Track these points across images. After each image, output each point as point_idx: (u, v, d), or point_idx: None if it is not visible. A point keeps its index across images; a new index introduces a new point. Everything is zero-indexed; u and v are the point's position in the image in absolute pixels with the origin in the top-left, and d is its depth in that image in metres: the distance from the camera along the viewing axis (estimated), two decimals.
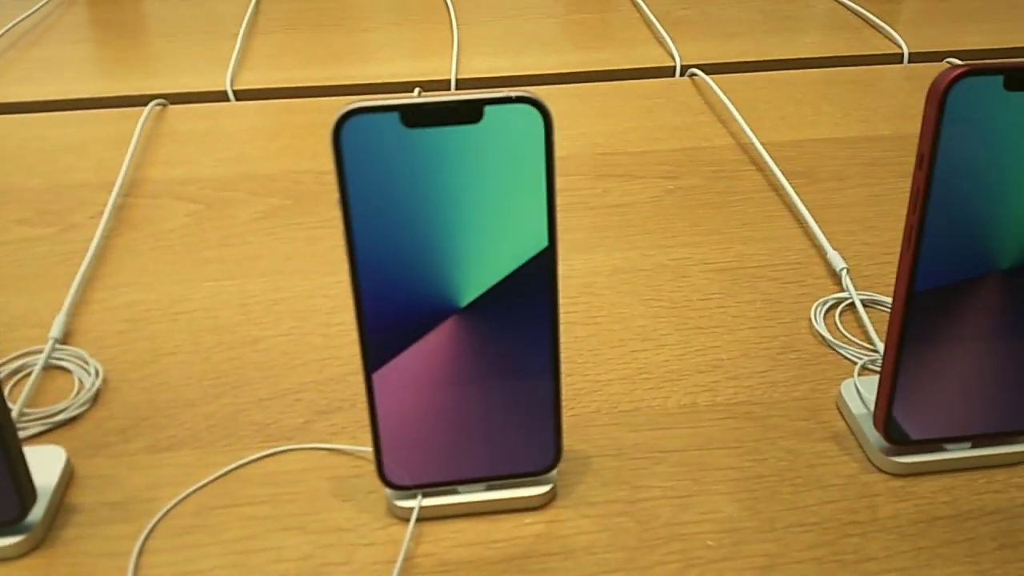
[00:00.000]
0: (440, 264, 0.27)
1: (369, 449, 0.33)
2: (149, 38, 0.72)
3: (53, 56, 0.69)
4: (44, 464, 0.31)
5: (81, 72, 0.66)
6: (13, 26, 0.73)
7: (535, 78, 0.65)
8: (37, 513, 0.30)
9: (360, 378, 0.28)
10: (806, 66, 0.66)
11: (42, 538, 0.30)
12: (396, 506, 0.30)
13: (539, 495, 0.31)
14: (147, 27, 0.75)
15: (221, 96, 0.63)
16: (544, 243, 0.27)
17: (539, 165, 0.26)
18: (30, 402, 0.36)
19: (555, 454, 0.30)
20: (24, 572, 0.29)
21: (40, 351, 0.38)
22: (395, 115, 0.25)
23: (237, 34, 0.71)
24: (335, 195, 0.26)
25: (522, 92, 0.26)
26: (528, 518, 0.31)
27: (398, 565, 0.29)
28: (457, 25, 0.72)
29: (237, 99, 0.63)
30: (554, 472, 0.31)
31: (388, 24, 0.74)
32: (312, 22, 0.75)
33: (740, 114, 0.56)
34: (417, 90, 0.63)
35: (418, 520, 0.30)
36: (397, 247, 0.27)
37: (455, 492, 0.31)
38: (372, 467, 0.32)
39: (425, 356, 0.28)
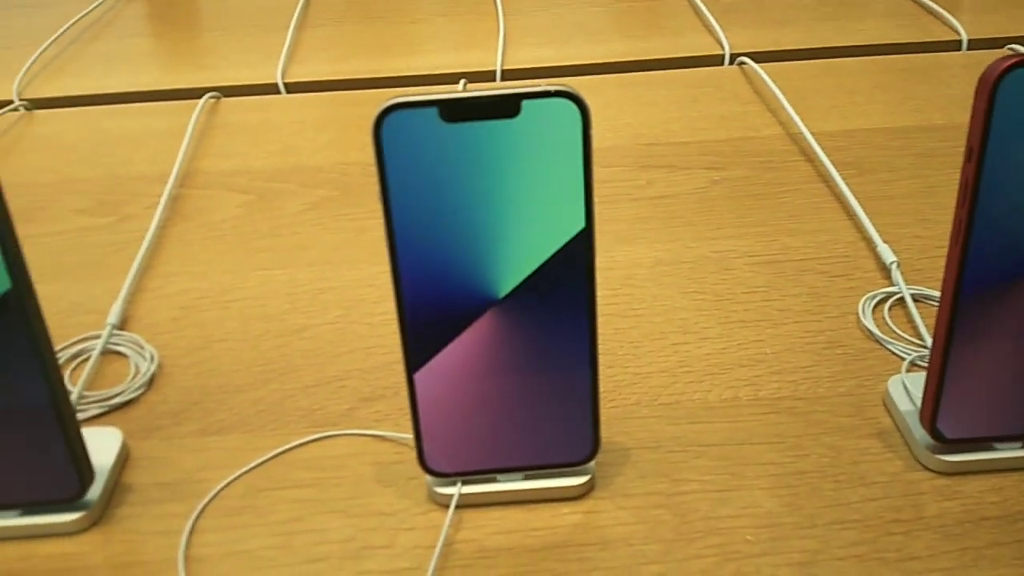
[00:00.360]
0: (479, 257, 0.27)
1: (411, 436, 0.34)
2: (203, 32, 0.74)
3: (112, 50, 0.71)
4: (102, 445, 0.33)
5: (138, 66, 0.68)
6: (75, 22, 0.75)
7: (580, 68, 0.65)
8: (95, 491, 0.31)
9: (403, 366, 0.29)
10: (860, 54, 0.64)
11: (99, 515, 0.31)
12: (436, 492, 0.31)
13: (577, 485, 0.31)
14: (201, 21, 0.77)
15: (272, 89, 0.64)
16: (581, 226, 0.27)
17: (577, 158, 0.26)
18: (89, 385, 0.37)
19: (593, 445, 0.31)
20: (82, 547, 0.30)
21: (98, 336, 0.39)
22: (433, 110, 0.26)
23: (288, 27, 0.72)
24: (376, 188, 0.27)
25: (560, 86, 0.26)
26: (566, 508, 0.31)
27: (438, 550, 0.29)
28: (503, 15, 0.72)
29: (288, 91, 0.64)
30: (592, 463, 0.31)
31: (435, 16, 0.75)
32: (360, 14, 0.76)
33: (789, 103, 0.55)
34: (463, 82, 0.63)
35: (458, 507, 0.31)
36: (437, 241, 0.27)
37: (494, 480, 0.31)
38: (414, 454, 0.33)
39: (465, 349, 0.29)
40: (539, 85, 0.26)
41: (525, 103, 0.26)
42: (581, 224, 0.27)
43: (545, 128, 0.26)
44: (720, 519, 0.30)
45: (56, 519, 0.30)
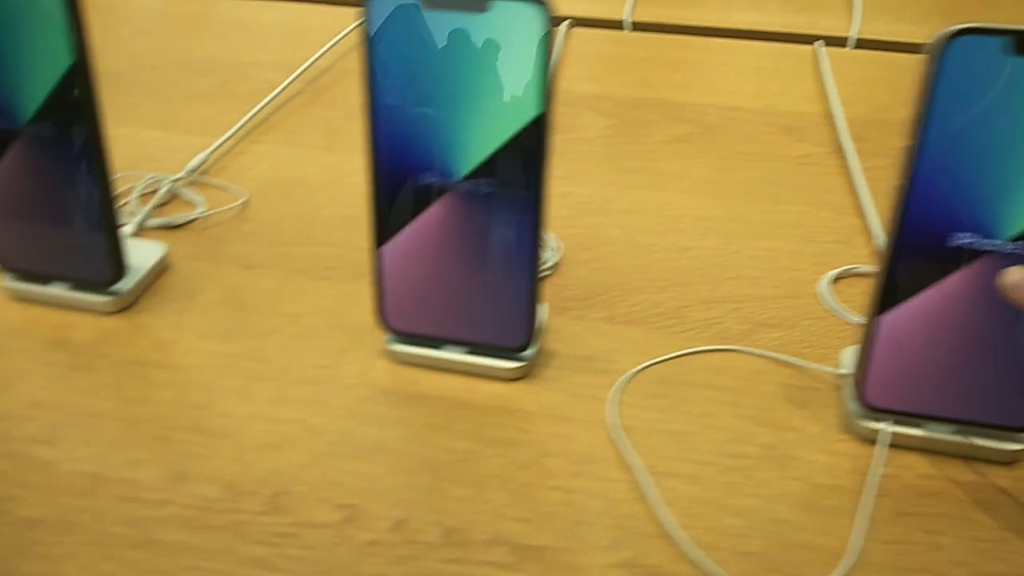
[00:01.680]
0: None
1: (819, 367, 0.34)
2: None
3: None
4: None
5: None
6: None
7: None
8: (531, 350, 0.34)
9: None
10: None
11: (529, 371, 0.34)
12: (858, 424, 0.31)
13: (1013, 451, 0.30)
14: None
15: (618, 25, 0.66)
16: None
17: None
18: None
19: None
20: (517, 392, 0.33)
21: None
22: (1003, 40, 0.25)
23: None
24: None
25: None
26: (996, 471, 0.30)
27: (873, 477, 0.30)
28: None
29: (634, 29, 0.65)
30: None
31: None
32: None
33: None
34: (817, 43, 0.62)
35: (876, 444, 0.31)
36: (962, 173, 0.27)
37: (919, 426, 0.31)
38: (821, 384, 0.33)
39: (937, 301, 0.29)
40: None
41: None
42: None
43: None
44: None
45: (497, 363, 0.33)
